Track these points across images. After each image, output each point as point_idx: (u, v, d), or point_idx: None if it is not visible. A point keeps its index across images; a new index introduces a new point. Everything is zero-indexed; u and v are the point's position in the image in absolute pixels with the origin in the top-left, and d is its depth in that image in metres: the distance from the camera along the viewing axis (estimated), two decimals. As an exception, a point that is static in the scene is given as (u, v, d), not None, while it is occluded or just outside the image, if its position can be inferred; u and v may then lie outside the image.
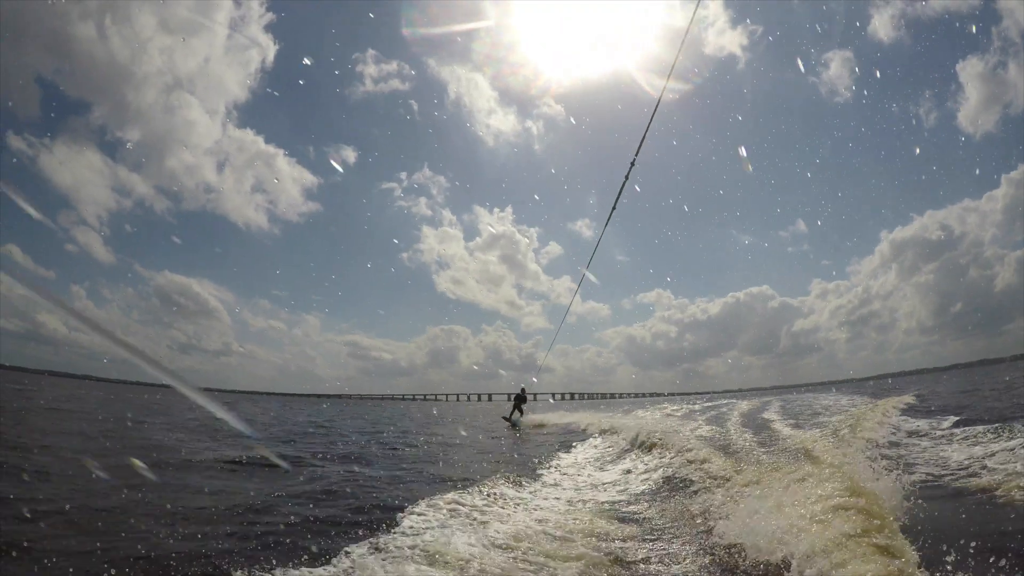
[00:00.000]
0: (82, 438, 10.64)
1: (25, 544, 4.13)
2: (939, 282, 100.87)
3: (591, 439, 13.83)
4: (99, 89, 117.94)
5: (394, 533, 4.87)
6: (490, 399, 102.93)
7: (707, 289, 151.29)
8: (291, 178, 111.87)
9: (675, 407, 24.82)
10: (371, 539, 4.63)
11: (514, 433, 17.81)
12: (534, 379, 23.75)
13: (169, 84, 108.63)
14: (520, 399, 20.29)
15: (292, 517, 5.35)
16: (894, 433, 9.92)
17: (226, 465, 8.26)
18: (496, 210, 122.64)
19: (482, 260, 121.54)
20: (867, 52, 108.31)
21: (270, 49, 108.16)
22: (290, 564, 4.07)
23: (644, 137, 5.53)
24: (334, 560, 4.17)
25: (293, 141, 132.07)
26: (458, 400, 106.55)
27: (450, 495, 6.31)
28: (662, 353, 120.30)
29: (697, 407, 23.82)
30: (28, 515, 4.71)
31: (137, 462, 7.23)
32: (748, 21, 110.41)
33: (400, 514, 5.52)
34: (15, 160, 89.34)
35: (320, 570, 4.00)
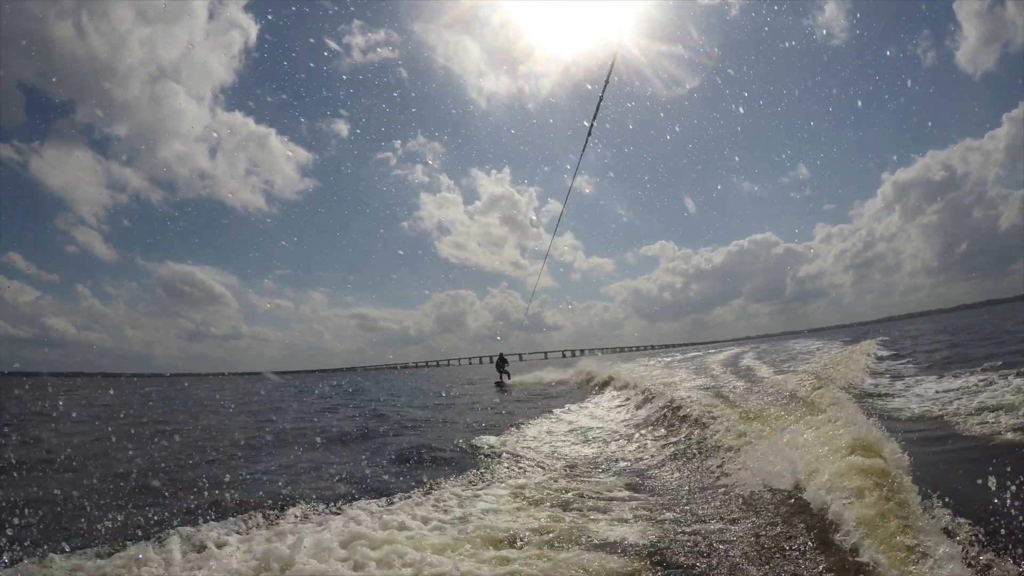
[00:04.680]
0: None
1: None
2: (943, 223, 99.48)
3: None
4: (83, 87, 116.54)
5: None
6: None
7: (711, 239, 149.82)
8: (285, 156, 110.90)
9: (681, 356, 25.46)
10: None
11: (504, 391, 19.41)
12: (512, 344, 25.39)
13: (153, 74, 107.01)
14: (502, 362, 22.88)
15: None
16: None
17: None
18: (493, 171, 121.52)
19: (483, 223, 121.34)
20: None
21: (252, 28, 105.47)
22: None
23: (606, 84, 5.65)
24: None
25: (284, 119, 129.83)
26: (470, 364, 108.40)
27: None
28: (669, 304, 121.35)
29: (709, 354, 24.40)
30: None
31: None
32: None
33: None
34: (6, 169, 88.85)
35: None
